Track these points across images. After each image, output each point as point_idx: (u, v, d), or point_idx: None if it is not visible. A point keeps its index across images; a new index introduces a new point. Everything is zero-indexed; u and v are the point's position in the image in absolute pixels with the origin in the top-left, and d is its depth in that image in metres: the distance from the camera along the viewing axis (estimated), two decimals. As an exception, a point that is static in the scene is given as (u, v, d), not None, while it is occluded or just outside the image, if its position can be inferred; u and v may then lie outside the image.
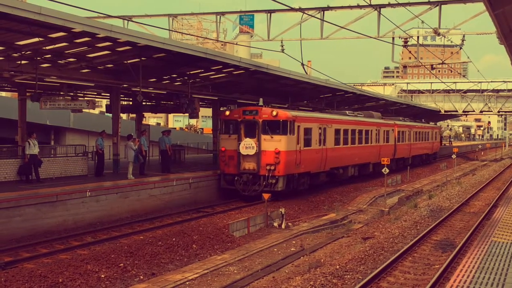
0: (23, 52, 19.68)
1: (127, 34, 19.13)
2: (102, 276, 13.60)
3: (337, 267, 14.12)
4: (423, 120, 59.85)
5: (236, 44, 43.33)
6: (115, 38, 18.90)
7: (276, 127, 25.37)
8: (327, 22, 24.33)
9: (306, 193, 28.85)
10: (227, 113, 26.34)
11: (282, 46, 26.91)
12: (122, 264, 14.56)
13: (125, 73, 24.00)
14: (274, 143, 25.10)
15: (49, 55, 20.99)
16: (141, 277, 14.10)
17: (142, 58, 22.26)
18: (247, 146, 25.23)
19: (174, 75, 27.62)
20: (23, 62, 20.59)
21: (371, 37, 26.17)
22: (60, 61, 22.10)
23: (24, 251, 15.71)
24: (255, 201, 24.61)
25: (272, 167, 24.91)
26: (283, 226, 21.59)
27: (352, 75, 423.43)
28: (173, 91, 29.66)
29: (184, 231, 18.53)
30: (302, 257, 16.54)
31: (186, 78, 27.88)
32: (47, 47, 19.64)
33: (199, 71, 26.76)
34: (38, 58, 20.80)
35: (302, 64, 26.27)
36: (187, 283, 13.48)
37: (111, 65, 23.69)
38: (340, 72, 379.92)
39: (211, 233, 18.62)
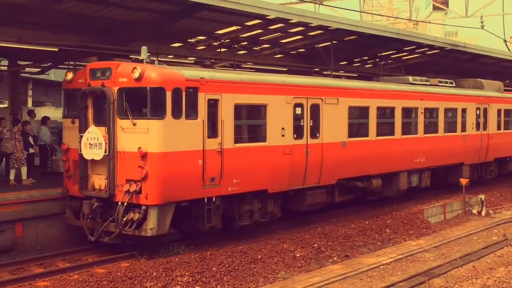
0: (222, 41, 20.83)
1: (319, 18, 19.35)
2: (298, 255, 13.99)
3: (547, 259, 12.98)
4: None
5: (429, 23, 41.52)
6: (307, 23, 19.21)
7: (142, 102, 12.78)
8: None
9: (504, 180, 26.57)
10: (69, 76, 14.14)
11: (481, 22, 25.21)
12: (316, 245, 14.84)
13: (316, 57, 24.24)
14: (137, 137, 12.77)
15: (245, 42, 21.97)
16: (335, 258, 14.25)
17: (334, 42, 22.29)
18: (92, 142, 13.15)
19: (365, 58, 27.33)
20: (222, 50, 21.80)
21: None
22: (255, 48, 23.03)
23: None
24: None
25: (136, 187, 12.64)
26: (483, 213, 20.39)
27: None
28: (363, 74, 29.37)
29: (377, 215, 18.36)
30: (505, 247, 15.49)
31: (377, 60, 27.43)
32: (244, 35, 20.58)
33: (391, 52, 26.14)
34: (236, 46, 21.86)
35: (505, 41, 24.37)
36: (381, 267, 13.35)
37: (303, 50, 24.13)
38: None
39: (404, 218, 18.21)
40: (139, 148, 12.64)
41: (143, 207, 12.65)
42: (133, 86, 12.85)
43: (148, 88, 12.66)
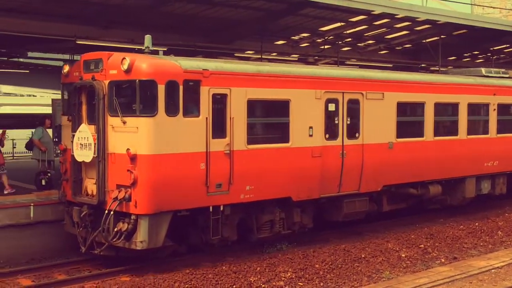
0: (326, 37, 20.78)
1: (426, 12, 18.88)
2: (403, 255, 13.66)
3: None
4: None
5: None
6: (414, 17, 18.81)
7: (132, 96, 11.40)
8: None
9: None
10: (66, 69, 12.83)
11: None
12: (422, 245, 14.44)
13: (423, 53, 23.63)
14: (127, 137, 11.35)
15: (350, 39, 21.78)
16: (442, 260, 13.77)
17: (442, 36, 21.58)
18: (83, 142, 11.94)
19: (476, 52, 26.25)
20: (326, 47, 21.73)
21: None
22: (360, 44, 22.78)
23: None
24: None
25: (125, 193, 11.24)
26: None
27: None
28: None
29: (487, 216, 17.62)
30: None
31: (489, 54, 26.25)
32: (348, 31, 20.43)
33: (504, 46, 24.94)
34: (339, 42, 21.72)
35: None
36: (492, 270, 12.72)
37: (409, 45, 23.59)
38: None
39: (518, 220, 17.32)
40: (128, 149, 11.13)
41: (132, 217, 11.19)
42: (123, 79, 11.35)
43: (137, 81, 11.09)
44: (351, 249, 13.68)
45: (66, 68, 12.74)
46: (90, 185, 12.06)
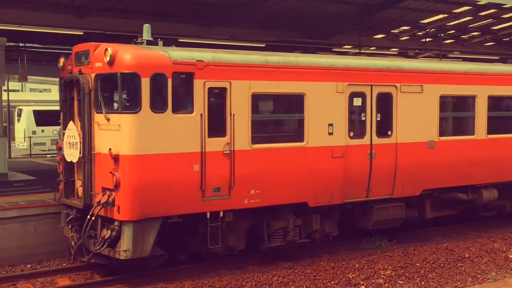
0: (427, 30, 20.22)
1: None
2: (510, 256, 13.04)
3: None
4: None
5: None
6: (524, 6, 17.82)
7: (115, 91, 10.77)
8: None
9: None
10: (61, 62, 11.90)
11: None
12: (532, 247, 13.72)
13: (534, 44, 22.45)
14: (110, 135, 10.45)
15: (453, 31, 21.06)
16: (555, 263, 13.02)
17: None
18: (71, 140, 11.12)
19: None
20: (427, 40, 21.15)
21: None
22: (463, 36, 21.98)
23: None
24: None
25: (108, 197, 10.33)
26: None
27: None
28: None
29: None
30: None
31: None
32: (451, 23, 19.77)
33: None
34: (442, 35, 21.04)
35: None
36: None
37: (517, 36, 22.48)
38: None
39: None
40: (110, 149, 10.19)
41: (116, 223, 10.25)
42: (106, 72, 10.39)
43: (118, 74, 10.10)
44: (454, 248, 13.25)
45: (62, 61, 11.88)
46: (80, 187, 11.24)
